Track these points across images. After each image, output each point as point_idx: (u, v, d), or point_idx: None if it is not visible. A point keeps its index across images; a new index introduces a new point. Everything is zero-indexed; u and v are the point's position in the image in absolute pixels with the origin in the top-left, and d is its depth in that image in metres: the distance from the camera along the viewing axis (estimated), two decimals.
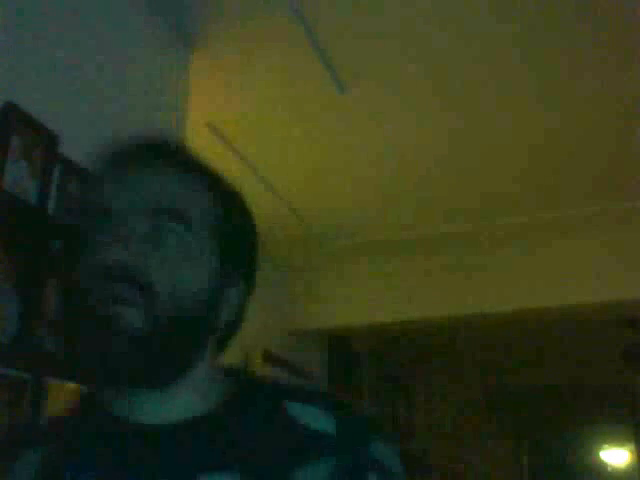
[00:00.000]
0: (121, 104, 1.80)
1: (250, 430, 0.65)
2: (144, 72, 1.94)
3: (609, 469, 7.07)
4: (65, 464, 0.63)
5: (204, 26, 2.09)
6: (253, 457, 0.62)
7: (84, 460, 0.63)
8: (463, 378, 5.92)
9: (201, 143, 2.40)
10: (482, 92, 2.37)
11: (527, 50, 2.15)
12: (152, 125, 1.93)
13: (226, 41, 2.14)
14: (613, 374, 4.90)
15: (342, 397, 0.74)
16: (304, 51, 2.10)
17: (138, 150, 0.69)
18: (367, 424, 0.69)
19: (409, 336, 4.45)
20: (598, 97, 2.38)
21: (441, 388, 5.77)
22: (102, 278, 0.60)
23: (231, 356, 0.76)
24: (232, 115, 2.48)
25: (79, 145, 1.57)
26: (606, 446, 7.08)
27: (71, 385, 1.47)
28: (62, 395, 1.45)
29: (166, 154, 0.69)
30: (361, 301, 3.64)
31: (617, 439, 6.85)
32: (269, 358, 3.25)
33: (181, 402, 0.65)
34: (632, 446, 6.52)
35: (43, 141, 1.45)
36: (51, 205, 1.45)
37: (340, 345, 4.29)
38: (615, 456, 7.07)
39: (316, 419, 0.66)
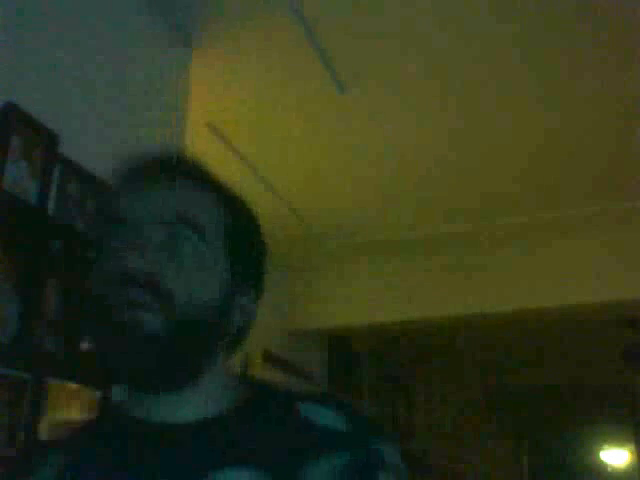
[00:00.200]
0: (121, 104, 1.80)
1: (263, 429, 0.67)
2: (144, 72, 1.94)
3: (609, 469, 7.07)
4: (85, 464, 0.66)
5: (204, 26, 2.09)
6: (267, 453, 0.64)
7: (102, 460, 0.66)
8: (463, 378, 5.92)
9: (201, 143, 2.40)
10: (482, 92, 2.37)
11: (527, 50, 2.15)
12: (152, 125, 1.93)
13: (226, 41, 2.14)
14: (613, 374, 4.90)
15: (344, 398, 0.76)
16: (304, 51, 2.10)
17: (153, 164, 0.72)
18: (375, 425, 0.72)
19: (409, 336, 4.45)
20: (598, 97, 2.38)
21: (441, 388, 5.76)
22: (119, 284, 0.63)
23: None
24: (232, 115, 2.48)
25: (79, 145, 1.57)
26: (606, 446, 7.08)
27: (71, 385, 1.47)
28: (62, 395, 1.45)
29: (179, 168, 0.71)
30: (361, 301, 3.64)
31: (617, 439, 6.85)
32: (269, 358, 3.25)
33: (195, 404, 0.68)
34: (632, 446, 6.52)
35: (43, 141, 1.45)
36: (51, 205, 1.46)
37: (340, 345, 4.29)
38: (615, 456, 7.07)
39: (328, 418, 0.69)
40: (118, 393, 0.71)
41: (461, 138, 2.66)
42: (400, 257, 3.61)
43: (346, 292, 3.66)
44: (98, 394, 1.53)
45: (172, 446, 0.65)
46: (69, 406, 1.47)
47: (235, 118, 2.50)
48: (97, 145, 1.67)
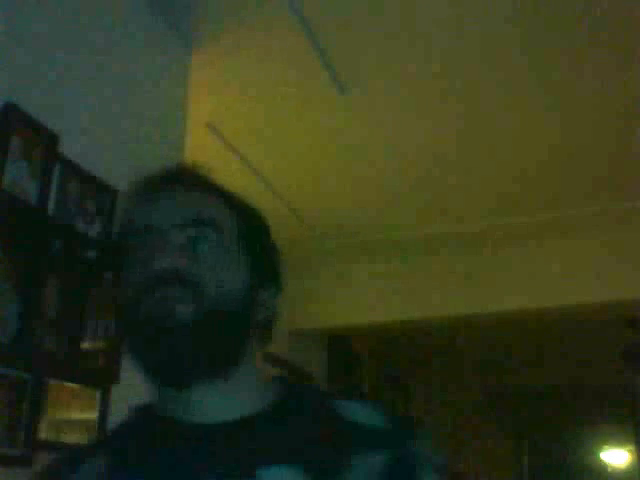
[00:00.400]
0: (121, 104, 1.80)
1: (302, 427, 0.69)
2: (144, 72, 1.94)
3: (609, 469, 7.07)
4: (124, 469, 0.67)
5: (204, 26, 2.09)
6: (308, 451, 0.66)
7: (141, 463, 0.67)
8: (463, 378, 5.92)
9: (201, 143, 2.40)
10: (482, 92, 2.37)
11: (527, 50, 2.15)
12: (152, 125, 1.93)
13: (226, 41, 2.14)
14: (613, 374, 4.89)
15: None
16: (304, 51, 2.10)
17: (166, 176, 0.75)
18: (414, 424, 0.74)
19: (409, 336, 4.45)
20: (598, 97, 2.38)
21: (441, 388, 5.77)
22: (150, 286, 0.66)
23: None
24: (232, 115, 2.48)
25: (79, 145, 1.57)
26: (606, 446, 7.08)
27: (71, 385, 1.48)
28: (62, 395, 1.45)
29: (191, 178, 0.75)
30: (361, 301, 3.65)
31: (617, 439, 6.85)
32: (269, 358, 3.25)
33: (232, 401, 0.69)
34: (632, 446, 6.52)
35: (43, 141, 1.45)
36: (51, 205, 1.46)
37: (340, 345, 4.29)
38: (615, 456, 7.07)
39: (365, 415, 0.71)
40: (153, 393, 0.72)
41: (461, 138, 2.66)
42: (400, 257, 3.61)
43: (346, 292, 3.66)
44: (98, 394, 1.54)
45: (213, 446, 0.65)
46: (69, 406, 1.47)
47: (235, 118, 2.50)
48: (97, 145, 1.67)
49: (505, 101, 2.42)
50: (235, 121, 2.51)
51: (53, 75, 1.55)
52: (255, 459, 0.64)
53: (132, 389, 1.60)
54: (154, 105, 1.97)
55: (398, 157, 2.79)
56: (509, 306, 3.46)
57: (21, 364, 1.33)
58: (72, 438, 1.46)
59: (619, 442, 6.86)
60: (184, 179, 0.75)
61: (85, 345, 1.51)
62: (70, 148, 1.52)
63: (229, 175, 0.76)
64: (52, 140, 1.47)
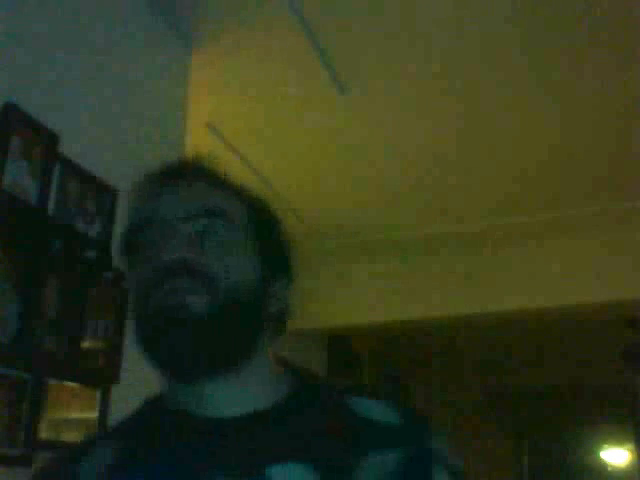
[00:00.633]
0: (121, 104, 1.80)
1: (316, 423, 0.68)
2: (144, 72, 1.94)
3: (609, 469, 7.07)
4: (134, 460, 0.66)
5: (204, 26, 2.09)
6: (320, 448, 0.65)
7: (152, 455, 0.65)
8: (463, 378, 5.91)
9: (201, 143, 2.40)
10: (482, 92, 2.37)
11: (527, 50, 2.14)
12: (152, 125, 1.93)
13: (226, 41, 2.13)
14: (613, 374, 4.89)
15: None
16: (304, 51, 2.10)
17: (173, 169, 0.74)
18: (427, 419, 0.73)
19: (409, 336, 4.45)
20: (598, 97, 2.38)
21: (441, 388, 5.76)
22: (160, 278, 0.65)
23: None
24: (232, 115, 2.48)
25: (79, 145, 1.57)
26: (606, 446, 7.08)
27: (71, 385, 1.48)
28: (62, 395, 1.45)
29: (200, 170, 0.74)
30: (361, 301, 3.64)
31: (617, 439, 6.85)
32: None
33: (245, 394, 0.68)
34: (632, 446, 6.52)
35: (43, 141, 1.45)
36: (51, 205, 1.45)
37: (340, 345, 4.29)
38: (615, 456, 7.07)
39: (379, 412, 0.70)
40: (164, 385, 0.71)
41: (461, 138, 2.66)
42: (400, 257, 3.61)
43: (346, 292, 3.66)
44: (98, 394, 1.54)
45: (225, 441, 0.64)
46: (69, 406, 1.47)
47: (235, 118, 2.50)
48: (97, 145, 1.67)
49: (505, 101, 2.42)
50: (235, 121, 2.51)
51: (53, 75, 1.55)
52: (265, 456, 0.63)
53: (132, 389, 1.60)
54: (154, 105, 1.97)
55: (398, 157, 2.79)
56: (509, 306, 3.45)
57: (21, 364, 1.33)
58: (72, 438, 1.45)
59: (619, 442, 6.86)
60: (190, 172, 0.73)
61: (85, 345, 1.51)
62: (70, 148, 1.52)
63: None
64: (52, 140, 1.47)
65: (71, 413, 1.48)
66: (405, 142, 2.67)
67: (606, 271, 3.21)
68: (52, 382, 1.41)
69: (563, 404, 6.48)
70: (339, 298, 3.66)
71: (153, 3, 1.96)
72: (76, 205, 1.53)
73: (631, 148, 2.68)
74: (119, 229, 1.65)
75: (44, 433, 1.36)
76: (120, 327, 1.62)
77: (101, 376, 1.56)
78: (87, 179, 1.57)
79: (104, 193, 1.62)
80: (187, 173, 0.73)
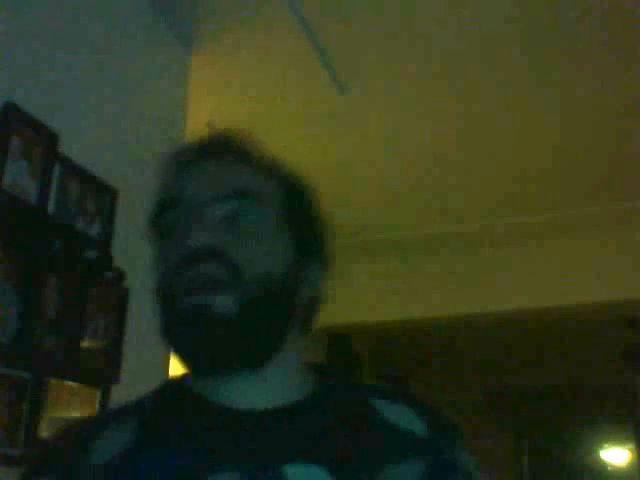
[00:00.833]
0: (121, 104, 1.80)
1: (338, 424, 0.64)
2: (144, 72, 1.94)
3: (609, 468, 7.07)
4: (151, 445, 0.63)
5: (204, 26, 2.09)
6: (341, 451, 0.62)
7: (170, 442, 0.62)
8: (463, 378, 5.91)
9: None
10: (482, 92, 2.37)
11: (527, 50, 2.14)
12: (152, 125, 1.93)
13: (226, 41, 2.14)
14: (613, 374, 4.89)
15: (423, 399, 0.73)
16: (304, 51, 2.10)
17: (208, 145, 0.70)
18: (456, 430, 0.70)
19: (409, 336, 4.45)
20: (598, 97, 2.38)
21: (441, 388, 5.76)
22: (184, 265, 0.61)
23: None
24: (232, 115, 2.48)
25: (79, 145, 1.57)
26: (606, 446, 7.08)
27: (71, 384, 1.48)
28: (62, 395, 1.45)
29: (234, 148, 0.70)
30: (361, 301, 3.64)
31: (617, 439, 6.85)
32: None
33: (270, 388, 0.65)
34: (632, 445, 6.52)
35: (43, 141, 1.45)
36: (51, 205, 1.45)
37: (340, 345, 4.29)
38: (615, 456, 7.07)
39: (405, 419, 0.67)
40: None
41: (461, 138, 2.66)
42: (400, 257, 3.61)
43: (346, 292, 3.66)
44: (98, 394, 1.54)
45: (244, 434, 0.62)
46: (69, 405, 1.47)
47: (235, 118, 2.50)
48: (97, 145, 1.67)
49: (505, 101, 2.42)
50: (235, 121, 2.51)
51: (53, 75, 1.55)
52: (282, 454, 0.60)
53: (132, 389, 1.60)
54: (154, 105, 1.97)
55: (398, 157, 2.79)
56: (509, 306, 3.45)
57: (21, 364, 1.33)
58: None
59: (619, 442, 6.86)
60: (224, 148, 0.69)
61: (85, 345, 1.51)
62: (70, 148, 1.52)
63: None
64: (52, 140, 1.47)
65: (71, 413, 1.48)
66: (405, 142, 2.67)
67: (606, 271, 3.21)
68: (52, 382, 1.41)
69: (563, 404, 6.48)
70: (339, 298, 3.63)
71: (153, 3, 1.96)
72: (76, 205, 1.53)
73: (631, 148, 2.68)
74: (119, 229, 1.65)
75: (44, 433, 1.36)
76: (120, 327, 1.62)
77: (101, 376, 1.56)
78: (87, 179, 1.57)
79: (104, 193, 1.62)
80: (218, 150, 0.69)
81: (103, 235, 1.60)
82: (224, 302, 0.60)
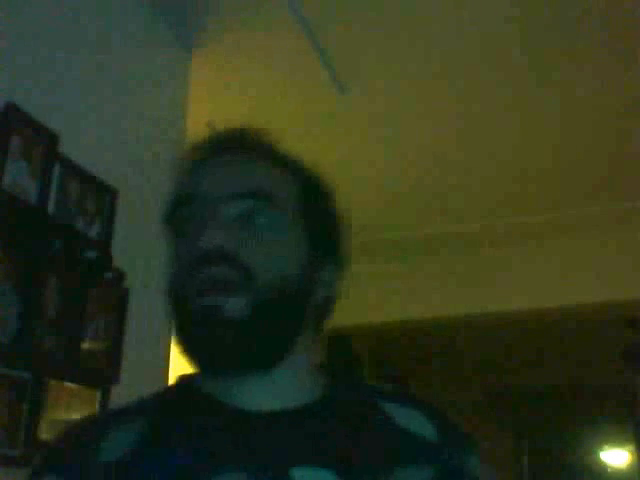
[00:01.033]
0: (121, 104, 1.80)
1: (347, 427, 0.64)
2: (144, 72, 1.94)
3: (609, 470, 7.07)
4: (160, 442, 0.62)
5: (204, 26, 2.08)
6: (349, 454, 0.61)
7: (177, 440, 0.62)
8: (463, 378, 5.91)
9: None
10: (482, 92, 2.37)
11: (527, 50, 2.14)
12: (152, 125, 1.93)
13: (226, 41, 2.14)
14: (613, 374, 4.89)
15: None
16: (304, 51, 2.10)
17: (224, 141, 0.70)
18: (466, 437, 0.69)
19: (409, 336, 4.45)
20: (598, 97, 2.38)
21: (441, 388, 5.76)
22: (196, 266, 0.61)
23: None
24: (232, 115, 2.47)
25: (79, 145, 1.57)
26: (606, 447, 7.08)
27: (71, 385, 1.48)
28: (62, 395, 1.45)
29: (251, 144, 0.70)
30: (361, 301, 3.64)
31: (617, 439, 6.85)
32: None
33: (280, 390, 0.64)
34: (632, 446, 6.51)
35: (43, 141, 1.45)
36: (51, 205, 1.45)
37: (340, 345, 4.29)
38: (615, 457, 7.06)
39: (416, 423, 0.66)
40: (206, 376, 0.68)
41: (461, 138, 2.66)
42: (400, 257, 3.61)
43: (346, 292, 3.66)
44: (98, 394, 1.54)
45: (251, 436, 0.61)
46: (69, 406, 1.47)
47: (235, 118, 2.49)
48: (97, 145, 1.67)
49: (505, 101, 2.42)
50: (235, 121, 2.51)
51: (53, 75, 1.55)
52: (290, 457, 0.59)
53: (132, 389, 1.60)
54: (154, 105, 1.97)
55: (398, 157, 2.79)
56: (509, 306, 3.45)
57: (21, 364, 1.33)
58: None
59: (619, 442, 6.86)
60: (241, 144, 0.69)
61: (85, 345, 1.51)
62: (70, 148, 1.52)
63: None
64: (52, 140, 1.47)
65: (71, 413, 1.48)
66: (405, 142, 2.67)
67: (606, 271, 3.21)
68: (52, 382, 1.41)
69: (563, 404, 6.48)
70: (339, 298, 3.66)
71: (153, 3, 1.96)
72: (76, 205, 1.53)
73: (631, 148, 2.68)
74: (119, 229, 1.65)
75: (44, 433, 1.36)
76: (120, 327, 1.62)
77: (101, 376, 1.56)
78: (87, 179, 1.57)
79: (104, 193, 1.62)
80: (235, 145, 0.68)
81: (103, 235, 1.60)
82: (235, 304, 0.60)
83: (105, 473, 0.60)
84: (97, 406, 1.53)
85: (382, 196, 3.14)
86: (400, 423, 0.66)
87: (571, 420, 6.78)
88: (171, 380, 1.87)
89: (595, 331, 4.24)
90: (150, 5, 1.96)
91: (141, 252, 1.75)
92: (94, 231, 1.58)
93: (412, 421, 0.66)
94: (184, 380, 0.69)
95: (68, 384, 1.46)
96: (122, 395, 1.56)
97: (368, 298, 3.63)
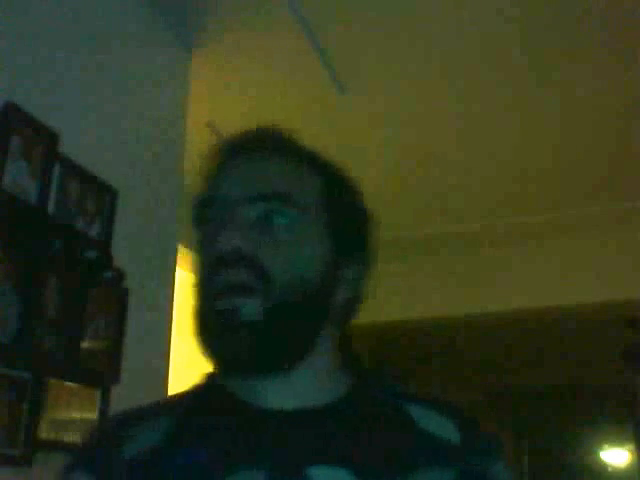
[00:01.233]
0: (121, 104, 1.80)
1: (368, 427, 0.64)
2: (144, 72, 1.94)
3: (609, 469, 7.07)
4: (184, 440, 0.63)
5: (204, 26, 2.08)
6: (368, 455, 0.61)
7: (197, 438, 0.63)
8: (463, 378, 5.91)
9: (201, 143, 2.40)
10: (482, 92, 2.37)
11: (527, 50, 2.14)
12: (152, 125, 1.93)
13: (226, 41, 2.13)
14: (613, 374, 4.88)
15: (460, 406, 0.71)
16: (304, 51, 2.10)
17: (245, 141, 0.70)
18: (491, 441, 0.68)
19: (409, 336, 4.45)
20: (598, 97, 2.38)
21: (441, 388, 5.76)
22: (214, 268, 0.61)
23: None
24: (232, 115, 2.47)
25: (79, 145, 1.57)
26: (606, 446, 7.08)
27: (71, 385, 1.48)
28: (62, 395, 1.45)
29: (272, 142, 0.70)
30: None
31: (617, 439, 6.85)
32: None
33: (301, 389, 0.64)
34: (632, 446, 6.52)
35: (43, 141, 1.45)
36: (51, 205, 1.45)
37: (340, 346, 4.28)
38: (615, 456, 7.07)
39: (439, 425, 0.66)
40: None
41: (461, 138, 2.66)
42: (400, 257, 3.61)
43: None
44: (98, 394, 1.54)
45: (270, 434, 0.61)
46: (69, 406, 1.47)
47: (235, 118, 2.50)
48: (97, 145, 1.67)
49: (505, 101, 2.42)
50: (235, 121, 2.51)
51: (53, 75, 1.55)
52: (308, 455, 0.59)
53: (132, 389, 1.60)
54: (154, 105, 1.97)
55: (398, 157, 2.79)
56: (509, 306, 3.45)
57: (21, 364, 1.33)
58: (72, 438, 1.45)
59: (619, 442, 6.86)
60: (260, 144, 0.68)
61: (85, 345, 1.51)
62: (70, 148, 1.52)
63: None
64: (52, 140, 1.47)
65: (71, 413, 1.48)
66: (405, 142, 2.67)
67: (606, 271, 3.21)
68: (52, 382, 1.41)
69: (563, 404, 6.48)
70: None
71: (153, 3, 1.96)
72: (76, 205, 1.53)
73: (631, 148, 2.68)
74: (119, 229, 1.65)
75: (44, 433, 1.36)
76: (120, 327, 1.62)
77: (101, 376, 1.56)
78: (87, 179, 1.57)
79: (104, 193, 1.62)
80: (255, 146, 0.68)
81: (103, 235, 1.60)
82: (251, 307, 0.60)
83: (128, 470, 0.61)
84: (97, 406, 1.53)
85: (382, 196, 3.13)
86: (422, 425, 0.65)
87: (571, 420, 6.78)
88: (171, 380, 1.87)
89: (595, 331, 4.24)
90: (150, 5, 1.96)
91: (141, 252, 1.75)
92: (94, 231, 1.58)
93: (436, 424, 0.66)
94: (210, 378, 0.70)
95: (68, 384, 1.46)
96: (122, 395, 1.57)
97: (368, 298, 3.63)
